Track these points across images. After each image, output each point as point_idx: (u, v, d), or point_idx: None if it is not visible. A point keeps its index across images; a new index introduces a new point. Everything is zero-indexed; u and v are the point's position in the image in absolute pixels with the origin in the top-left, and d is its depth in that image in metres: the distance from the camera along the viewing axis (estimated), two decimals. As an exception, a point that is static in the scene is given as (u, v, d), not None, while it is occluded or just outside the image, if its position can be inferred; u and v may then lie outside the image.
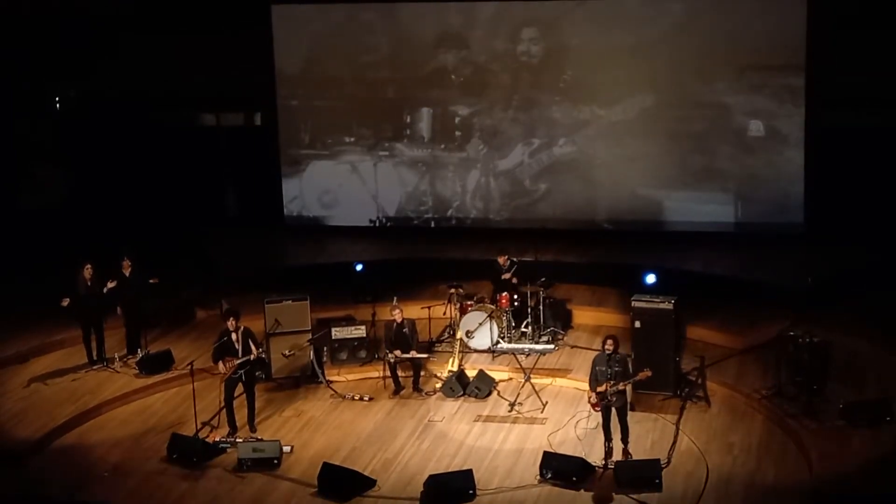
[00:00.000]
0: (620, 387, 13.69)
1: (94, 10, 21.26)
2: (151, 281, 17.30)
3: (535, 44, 21.06)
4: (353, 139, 22.04)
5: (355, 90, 21.85)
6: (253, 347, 15.02)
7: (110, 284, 17.01)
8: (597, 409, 13.88)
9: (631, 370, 14.03)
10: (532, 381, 15.92)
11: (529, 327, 17.47)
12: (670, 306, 15.57)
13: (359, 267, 19.11)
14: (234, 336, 14.95)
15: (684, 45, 20.35)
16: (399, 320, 16.21)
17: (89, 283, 16.85)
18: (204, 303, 19.22)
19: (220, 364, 14.89)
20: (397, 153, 21.92)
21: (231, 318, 15.09)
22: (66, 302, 16.73)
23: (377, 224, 22.10)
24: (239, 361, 14.87)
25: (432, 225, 21.97)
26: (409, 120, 21.83)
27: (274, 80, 22.04)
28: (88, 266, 16.87)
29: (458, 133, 21.66)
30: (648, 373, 13.92)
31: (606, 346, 13.75)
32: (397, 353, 16.18)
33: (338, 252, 20.99)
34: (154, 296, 17.74)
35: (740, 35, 20.06)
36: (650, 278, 16.71)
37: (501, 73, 21.31)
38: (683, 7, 20.32)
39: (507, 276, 17.69)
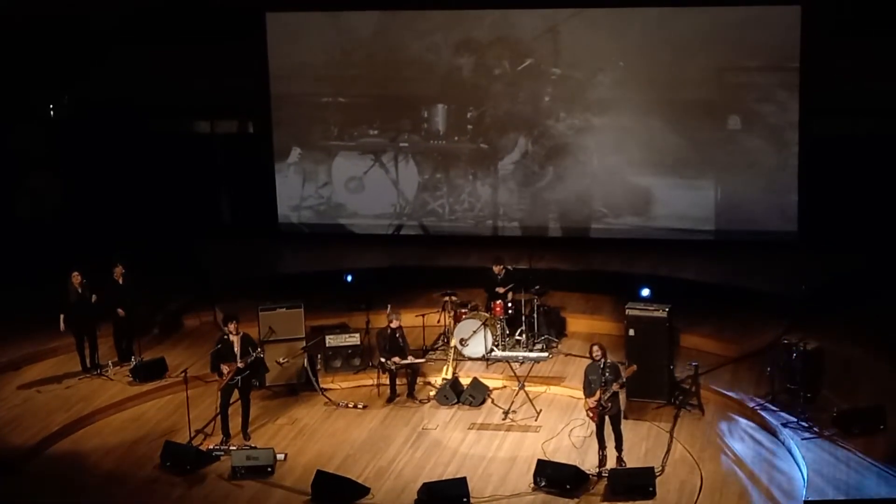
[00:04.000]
0: (615, 387, 13.67)
1: (88, 17, 21.21)
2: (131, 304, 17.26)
3: (533, 49, 21.07)
4: (353, 143, 22.04)
5: (351, 94, 21.82)
6: (251, 351, 15.01)
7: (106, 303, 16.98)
8: (595, 419, 13.88)
9: (623, 377, 14.04)
10: (526, 388, 15.94)
11: (523, 335, 17.46)
12: (664, 314, 15.59)
13: (349, 278, 19.09)
14: (233, 339, 14.95)
15: (680, 52, 20.34)
16: (395, 327, 16.22)
17: (80, 291, 16.81)
18: (197, 310, 19.20)
19: (224, 367, 14.85)
20: (394, 157, 21.92)
21: (232, 323, 15.08)
22: (63, 326, 16.68)
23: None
24: (240, 364, 14.85)
25: (430, 230, 21.96)
26: (409, 123, 21.82)
27: (268, 88, 22.03)
28: (76, 273, 16.80)
29: (456, 136, 21.65)
30: (634, 367, 13.93)
31: (594, 355, 13.78)
32: (396, 359, 16.17)
33: (332, 259, 20.95)
34: (146, 303, 17.70)
35: (735, 42, 20.07)
36: (645, 292, 16.68)
37: (497, 80, 21.30)
38: (679, 13, 20.32)
39: (501, 289, 17.66)
